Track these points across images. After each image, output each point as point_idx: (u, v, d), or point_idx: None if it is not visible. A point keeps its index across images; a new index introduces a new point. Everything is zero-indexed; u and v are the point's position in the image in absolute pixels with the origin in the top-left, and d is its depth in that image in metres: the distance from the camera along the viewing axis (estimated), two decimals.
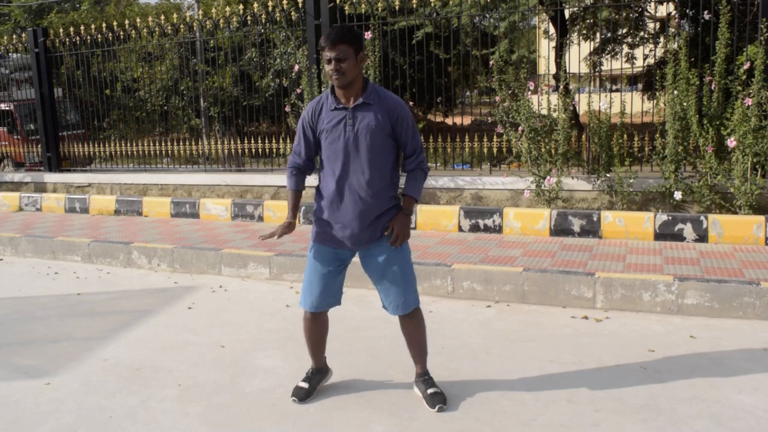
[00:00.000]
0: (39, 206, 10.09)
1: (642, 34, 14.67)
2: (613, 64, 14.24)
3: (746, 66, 6.56)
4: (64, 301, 5.88)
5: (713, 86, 6.74)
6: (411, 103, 9.42)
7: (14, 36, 11.50)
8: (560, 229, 6.78)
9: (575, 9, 13.39)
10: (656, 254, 5.87)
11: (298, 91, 8.59)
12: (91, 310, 5.60)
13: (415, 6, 8.25)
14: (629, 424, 3.30)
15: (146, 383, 4.00)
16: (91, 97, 11.15)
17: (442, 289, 5.58)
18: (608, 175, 7.16)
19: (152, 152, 10.45)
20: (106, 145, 10.73)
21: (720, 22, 6.63)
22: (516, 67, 7.72)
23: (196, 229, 7.97)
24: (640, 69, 12.86)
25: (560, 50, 7.89)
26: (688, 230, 6.36)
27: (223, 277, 6.47)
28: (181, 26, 10.24)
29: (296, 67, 8.77)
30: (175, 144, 10.25)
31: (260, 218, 8.30)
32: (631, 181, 7.00)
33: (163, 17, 10.17)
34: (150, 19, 10.31)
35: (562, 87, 7.54)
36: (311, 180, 4.09)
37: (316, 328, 3.70)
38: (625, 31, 14.55)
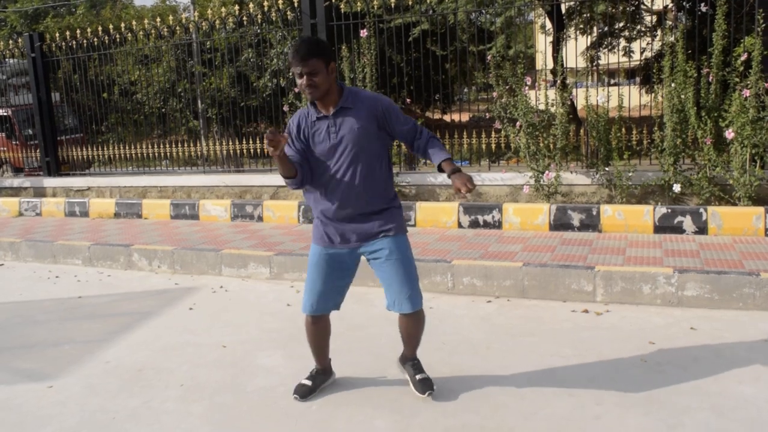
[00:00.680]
0: (39, 211, 10.09)
1: (639, 27, 14.67)
2: (610, 58, 14.22)
3: (743, 57, 6.56)
4: (65, 304, 5.89)
5: (711, 78, 6.74)
6: (409, 100, 9.42)
7: (11, 41, 11.50)
8: (560, 223, 6.78)
9: (571, 3, 13.39)
10: (656, 247, 5.87)
11: (296, 90, 8.57)
12: (92, 312, 5.60)
13: (410, 3, 8.25)
14: (631, 416, 3.30)
15: (148, 384, 4.01)
16: (88, 101, 11.15)
17: (442, 285, 5.58)
18: (607, 168, 7.16)
19: (151, 155, 10.45)
20: (105, 149, 10.73)
21: (717, 14, 6.63)
22: (513, 62, 7.72)
23: (196, 230, 7.98)
24: (638, 62, 12.86)
25: (557, 45, 7.88)
26: (687, 222, 6.36)
27: (223, 277, 6.47)
28: (177, 28, 10.24)
29: None
30: (174, 146, 10.26)
31: (260, 218, 8.31)
32: (630, 174, 7.00)
33: (158, 19, 10.17)
34: (146, 21, 10.31)
35: (559, 82, 7.54)
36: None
37: (317, 332, 3.71)
38: (622, 24, 14.56)
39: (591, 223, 6.68)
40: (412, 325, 3.63)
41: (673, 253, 5.62)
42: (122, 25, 10.31)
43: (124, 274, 6.91)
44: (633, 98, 9.60)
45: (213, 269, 6.56)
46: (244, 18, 9.49)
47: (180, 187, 9.62)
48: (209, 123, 11.16)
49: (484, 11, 11.33)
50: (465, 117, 11.68)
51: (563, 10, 13.92)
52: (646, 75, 11.22)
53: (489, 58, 7.75)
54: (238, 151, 9.79)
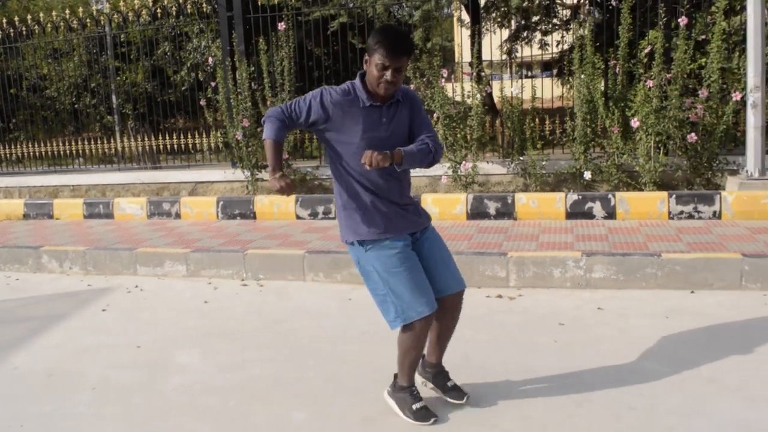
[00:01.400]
0: None
1: (554, 21, 15.05)
2: (527, 51, 14.55)
3: (647, 50, 6.84)
4: None
5: (617, 70, 7.00)
6: None
7: None
8: (477, 212, 6.93)
9: None
10: (568, 232, 6.08)
11: (213, 85, 8.45)
12: None
13: None
14: (542, 395, 3.42)
15: (59, 389, 3.89)
16: None
17: (359, 278, 5.59)
18: (522, 158, 7.36)
19: (63, 152, 10.10)
20: (13, 147, 10.29)
21: (622, 8, 6.89)
22: (430, 55, 7.81)
23: (110, 229, 7.76)
24: (552, 55, 13.21)
25: (474, 38, 8.01)
26: (597, 208, 6.60)
27: (138, 276, 6.32)
28: (88, 21, 9.91)
29: (211, 61, 8.63)
30: (88, 143, 9.94)
31: (178, 215, 8.15)
32: (544, 163, 7.21)
33: (68, 11, 9.82)
34: (54, 13, 9.93)
35: (475, 74, 7.69)
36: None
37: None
38: (537, 18, 14.90)
39: (506, 212, 6.85)
40: (456, 315, 3.43)
41: (584, 237, 5.82)
42: (29, 17, 9.90)
43: (33, 277, 6.66)
44: (548, 90, 9.87)
45: (128, 269, 6.40)
46: (159, 10, 9.27)
47: (94, 185, 9.33)
48: (125, 119, 10.84)
49: (402, 4, 11.42)
50: None
51: (481, 4, 14.15)
52: (560, 67, 11.54)
53: None
54: (155, 147, 9.56)
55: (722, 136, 6.68)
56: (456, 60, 9.48)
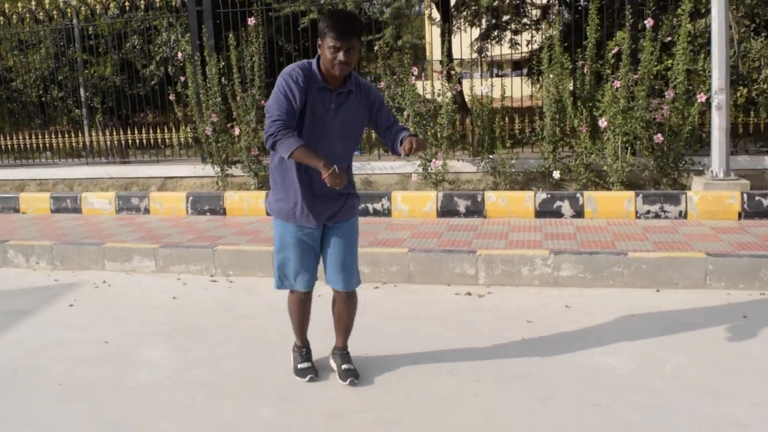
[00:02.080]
0: None
1: (524, 20, 15.18)
2: (497, 50, 14.65)
3: (615, 51, 6.94)
4: None
5: (585, 70, 7.10)
6: None
7: None
8: (447, 210, 6.97)
9: None
10: (536, 231, 6.15)
11: (183, 79, 8.38)
12: None
13: None
14: (507, 392, 3.47)
15: (23, 385, 3.84)
16: None
17: None
18: (491, 156, 7.42)
19: (30, 146, 9.93)
20: None
21: (590, 9, 6.98)
22: (401, 52, 7.84)
23: (78, 224, 7.66)
24: (523, 55, 13.32)
25: (444, 37, 8.06)
26: (565, 207, 6.68)
27: (106, 272, 6.25)
28: (55, 12, 9.75)
29: (180, 55, 8.55)
30: (55, 137, 9.79)
31: (146, 210, 8.07)
32: (513, 162, 7.28)
33: (34, 2, 9.65)
34: (20, 4, 9.76)
35: (445, 72, 7.73)
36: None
37: (308, 307, 3.77)
38: (508, 17, 15.02)
39: (476, 209, 6.90)
40: (348, 305, 3.70)
41: (552, 236, 5.90)
42: None
43: None
44: (517, 89, 9.96)
45: (95, 264, 6.33)
46: (127, 3, 9.16)
47: (61, 179, 9.20)
48: (93, 112, 10.68)
49: (373, 1, 11.43)
50: None
51: (451, 2, 14.23)
52: (530, 67, 11.66)
53: (377, 48, 7.84)
54: (124, 142, 9.45)
55: (688, 136, 6.81)
56: (427, 58, 9.52)
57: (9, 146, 10.02)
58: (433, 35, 9.79)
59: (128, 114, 10.69)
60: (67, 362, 4.14)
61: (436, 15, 13.44)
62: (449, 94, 7.49)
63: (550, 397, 3.38)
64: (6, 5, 9.77)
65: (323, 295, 5.22)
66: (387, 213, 7.16)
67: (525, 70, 14.71)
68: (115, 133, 9.47)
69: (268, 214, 3.66)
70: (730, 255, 4.98)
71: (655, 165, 6.94)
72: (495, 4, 12.13)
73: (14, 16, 9.67)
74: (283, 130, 3.16)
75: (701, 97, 6.66)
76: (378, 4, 11.99)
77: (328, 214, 3.46)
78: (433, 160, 7.29)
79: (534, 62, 7.66)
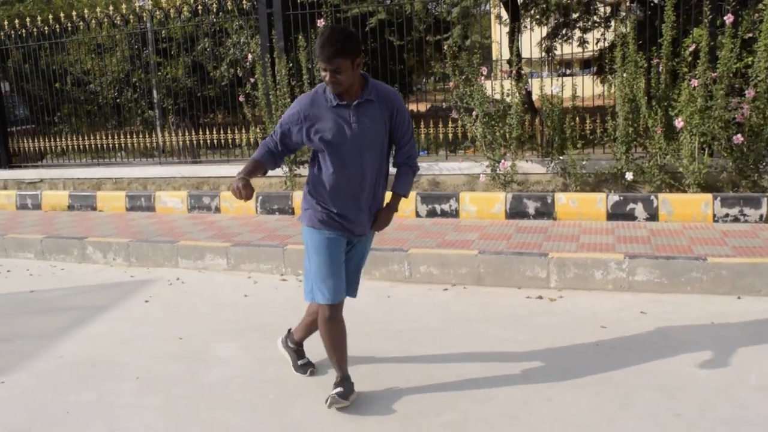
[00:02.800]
0: None
1: (594, 18, 14.88)
2: (566, 49, 14.41)
3: (692, 48, 6.71)
4: (17, 299, 5.77)
5: (661, 68, 6.88)
6: None
7: None
8: (515, 211, 6.87)
9: None
10: (609, 234, 6.00)
11: (252, 80, 8.51)
12: (44, 307, 5.51)
13: None
14: (582, 397, 3.38)
15: (103, 378, 3.97)
16: (40, 91, 10.89)
17: (399, 274, 5.62)
18: (561, 157, 7.27)
19: (106, 146, 10.27)
20: (58, 140, 10.50)
21: (666, 5, 6.76)
22: (469, 52, 7.77)
23: (151, 222, 7.88)
24: (592, 53, 13.05)
25: (513, 35, 7.95)
26: (639, 210, 6.50)
27: (179, 269, 6.41)
28: (131, 17, 10.06)
29: (250, 57, 8.69)
30: (129, 137, 10.09)
31: (217, 209, 8.24)
32: (584, 163, 7.12)
33: (112, 8, 9.97)
34: (98, 10, 10.10)
35: (514, 72, 7.62)
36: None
37: (340, 325, 3.49)
38: (576, 15, 14.74)
39: (546, 211, 6.78)
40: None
41: (625, 239, 5.74)
42: (74, 13, 10.09)
43: (78, 267, 6.79)
44: (587, 88, 9.75)
45: (169, 261, 6.49)
46: (200, 7, 9.37)
47: (135, 178, 9.48)
48: (165, 113, 10.98)
49: (440, 1, 11.37)
50: (423, 107, 11.73)
51: (519, 1, 14.04)
52: (600, 65, 11.40)
53: (445, 48, 7.79)
54: (195, 142, 9.67)
55: None
56: (494, 58, 9.41)
57: (86, 146, 10.38)
58: (500, 34, 9.66)
59: (199, 115, 10.93)
60: (143, 357, 4.25)
61: (504, 14, 13.28)
62: (518, 95, 7.37)
63: (629, 405, 3.28)
64: (85, 10, 10.11)
65: (392, 296, 5.23)
66: (455, 214, 7.11)
67: (594, 69, 14.41)
68: (186, 134, 9.69)
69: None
70: None
71: (733, 167, 6.67)
72: (564, 1, 11.92)
73: (93, 21, 10.00)
74: (264, 143, 3.43)
75: None
76: (445, 4, 11.93)
77: (357, 230, 3.44)
78: (502, 161, 7.20)
79: (606, 60, 7.47)
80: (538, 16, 14.66)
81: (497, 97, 7.60)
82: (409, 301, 5.10)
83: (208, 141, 9.49)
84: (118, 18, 9.93)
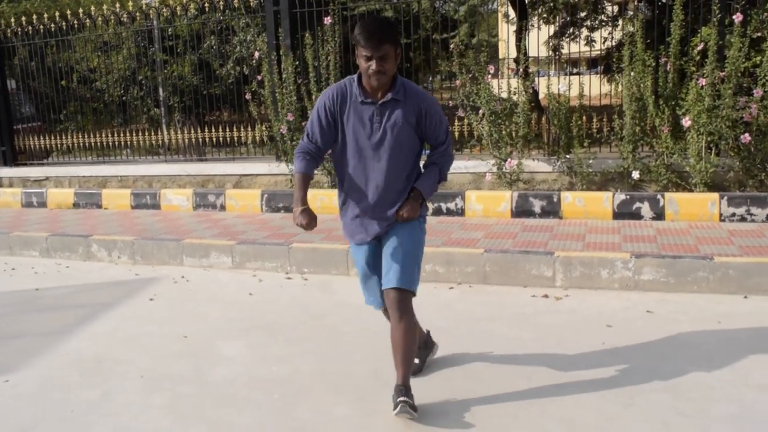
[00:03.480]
0: None
1: (601, 17, 14.83)
2: (573, 47, 14.35)
3: (700, 47, 6.67)
4: (22, 296, 5.78)
5: (668, 67, 6.85)
6: None
7: None
8: (521, 210, 6.86)
9: None
10: (615, 233, 5.97)
11: (259, 78, 8.51)
12: (50, 305, 5.51)
13: None
14: (587, 397, 3.36)
15: (108, 376, 3.97)
16: (46, 89, 10.91)
17: None
18: (568, 156, 7.25)
19: (111, 144, 10.28)
20: (64, 138, 10.52)
21: (674, 4, 6.73)
22: (476, 51, 7.75)
23: (157, 220, 7.88)
24: (599, 52, 13.02)
25: (520, 34, 7.93)
26: (645, 209, 6.47)
27: (185, 267, 6.41)
28: (137, 14, 10.07)
29: (256, 55, 8.69)
30: (135, 135, 10.10)
31: (222, 207, 8.24)
32: (591, 162, 7.10)
33: (118, 5, 9.98)
34: (105, 7, 10.11)
35: (521, 70, 7.60)
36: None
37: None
38: (584, 14, 14.70)
39: (552, 210, 6.76)
40: (398, 330, 3.29)
41: (632, 238, 5.72)
42: (81, 10, 10.10)
43: (83, 265, 6.80)
44: (594, 87, 9.72)
45: (174, 259, 6.50)
46: (206, 4, 9.37)
47: (141, 176, 9.49)
48: (171, 111, 10.99)
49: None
50: None
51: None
52: (607, 64, 11.37)
53: (452, 46, 7.77)
54: (200, 140, 9.68)
55: None
56: (501, 56, 9.39)
57: (92, 144, 10.39)
58: (507, 33, 9.63)
59: (205, 113, 10.94)
60: (148, 355, 4.25)
61: (511, 12, 13.25)
62: (525, 93, 7.35)
63: (634, 405, 3.26)
64: (92, 8, 10.12)
65: None
66: (460, 212, 7.10)
67: (601, 68, 14.37)
68: (192, 132, 9.70)
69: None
70: None
71: (741, 166, 6.64)
72: (572, 0, 11.88)
73: (99, 19, 10.02)
74: (301, 150, 3.30)
75: None
76: (452, 3, 11.92)
77: (376, 231, 3.34)
78: (508, 159, 7.18)
79: (613, 59, 7.44)
80: (545, 15, 14.61)
81: (504, 95, 7.58)
82: (414, 300, 5.07)
83: (214, 139, 9.50)
84: (124, 15, 9.94)
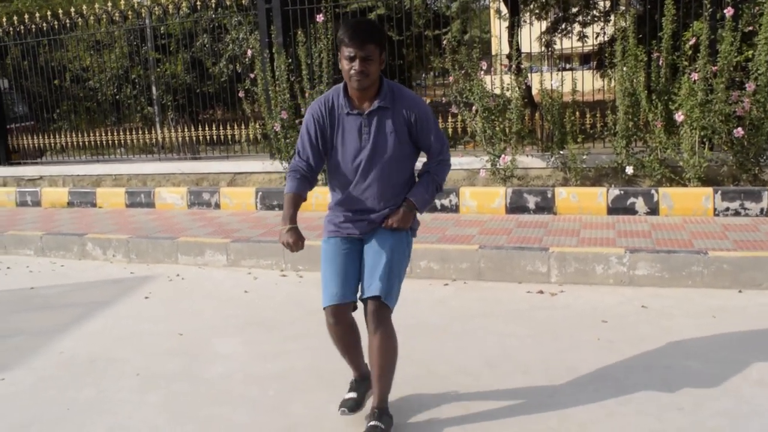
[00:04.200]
0: None
1: (593, 12, 14.86)
2: (565, 43, 14.38)
3: (692, 42, 6.69)
4: (16, 295, 5.77)
5: (661, 62, 6.86)
6: None
7: None
8: (516, 206, 6.87)
9: None
10: (609, 228, 5.99)
11: (252, 76, 8.50)
12: (44, 303, 5.50)
13: None
14: (582, 393, 3.38)
15: (103, 374, 3.96)
16: (39, 88, 10.87)
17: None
18: (562, 152, 7.26)
19: (105, 142, 10.25)
20: (57, 137, 10.48)
21: None
22: (468, 47, 7.75)
23: (151, 218, 7.87)
24: (592, 47, 13.04)
25: (512, 30, 7.94)
26: (639, 204, 6.49)
27: (179, 265, 6.40)
28: (130, 13, 10.03)
29: (249, 53, 8.68)
30: (129, 133, 10.07)
31: (217, 205, 8.23)
32: (584, 157, 7.11)
33: (110, 4, 9.95)
34: (97, 6, 10.08)
35: (514, 66, 7.60)
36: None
37: (341, 331, 3.20)
38: (576, 9, 14.72)
39: (546, 206, 6.78)
40: (374, 340, 3.10)
41: (626, 233, 5.73)
42: (72, 10, 10.06)
43: (77, 263, 6.79)
44: (587, 82, 9.73)
45: (169, 257, 6.49)
46: (198, 3, 9.34)
47: (135, 175, 9.46)
48: (164, 110, 10.97)
49: None
50: None
51: None
52: (600, 60, 11.40)
53: (445, 43, 7.77)
54: (194, 138, 9.66)
55: None
56: (493, 52, 9.40)
57: (86, 143, 10.36)
58: (500, 29, 9.64)
59: (198, 111, 10.91)
60: (144, 353, 4.24)
61: (503, 9, 13.26)
62: (518, 89, 7.35)
63: (629, 399, 3.27)
64: (83, 7, 10.09)
65: None
66: (455, 209, 7.11)
67: (594, 63, 14.40)
68: (185, 130, 9.68)
69: None
70: None
71: (734, 160, 6.66)
72: None
73: (91, 18, 9.98)
74: (293, 169, 3.20)
75: None
76: None
77: (359, 228, 3.20)
78: (502, 155, 7.18)
79: (606, 55, 7.45)
80: (537, 11, 14.65)
81: (497, 91, 7.58)
82: (409, 297, 5.05)
83: (208, 137, 9.47)
84: (116, 14, 9.90)
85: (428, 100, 11.73)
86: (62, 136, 10.46)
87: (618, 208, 6.55)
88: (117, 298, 5.50)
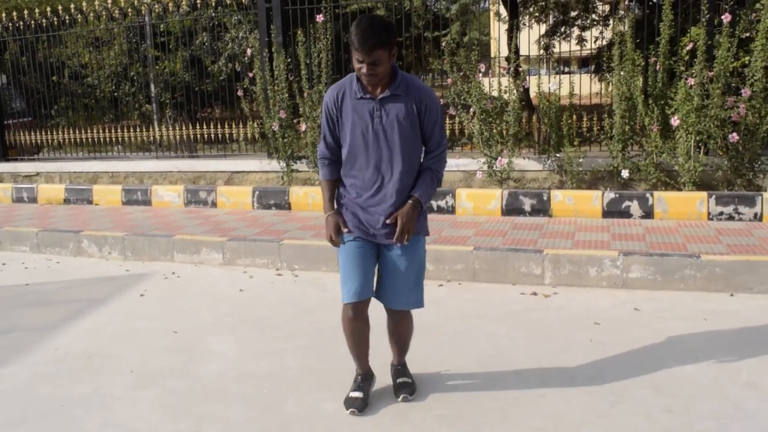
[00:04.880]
0: None
1: (592, 16, 14.89)
2: (564, 47, 14.41)
3: (689, 47, 6.72)
4: (11, 292, 5.77)
5: (658, 67, 6.90)
6: None
7: None
8: (511, 208, 6.89)
9: None
10: (604, 231, 6.01)
11: (251, 75, 8.51)
12: (40, 300, 5.51)
13: None
14: (574, 394, 3.40)
15: (98, 371, 3.98)
16: (37, 84, 10.87)
17: None
18: (558, 155, 7.28)
19: (102, 140, 10.25)
20: (55, 133, 10.48)
21: (664, 4, 6.78)
22: (467, 49, 7.77)
23: (148, 216, 7.88)
24: (590, 51, 13.07)
25: (511, 33, 7.96)
26: (634, 207, 6.52)
27: (175, 263, 6.41)
28: (129, 10, 10.04)
29: (248, 52, 8.69)
30: (126, 131, 10.08)
31: (214, 204, 8.25)
32: (581, 160, 7.14)
33: (110, 1, 9.95)
34: (97, 3, 10.08)
35: (512, 69, 7.63)
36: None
37: (358, 325, 3.39)
38: (575, 13, 14.75)
39: (542, 208, 6.80)
40: (401, 325, 3.49)
41: (621, 236, 5.76)
42: (72, 6, 10.07)
43: (73, 260, 6.80)
44: (585, 86, 9.76)
45: (165, 255, 6.50)
46: (198, 1, 9.35)
47: (132, 172, 9.47)
48: (163, 108, 10.97)
49: None
50: None
51: None
52: (597, 63, 11.43)
53: (444, 44, 7.79)
54: (192, 136, 9.66)
55: (765, 136, 6.53)
56: (492, 55, 9.42)
57: (83, 140, 10.36)
58: (499, 31, 9.66)
59: (196, 109, 10.92)
60: (139, 351, 4.26)
61: (503, 11, 13.29)
62: (516, 92, 7.38)
63: (620, 401, 3.30)
64: (84, 3, 10.09)
65: None
66: (451, 210, 7.13)
67: (592, 67, 14.43)
68: (183, 128, 9.68)
69: None
70: None
71: (729, 165, 6.70)
72: None
73: (91, 14, 9.99)
74: (321, 156, 3.36)
75: None
76: (444, 1, 11.93)
77: (374, 227, 3.27)
78: (499, 157, 7.21)
79: (604, 59, 7.48)
80: (536, 14, 14.66)
81: (495, 94, 7.61)
82: None
83: (206, 135, 9.48)
84: (116, 11, 9.91)
85: None
86: (60, 132, 10.46)
87: (613, 211, 6.58)
88: (112, 295, 5.51)
